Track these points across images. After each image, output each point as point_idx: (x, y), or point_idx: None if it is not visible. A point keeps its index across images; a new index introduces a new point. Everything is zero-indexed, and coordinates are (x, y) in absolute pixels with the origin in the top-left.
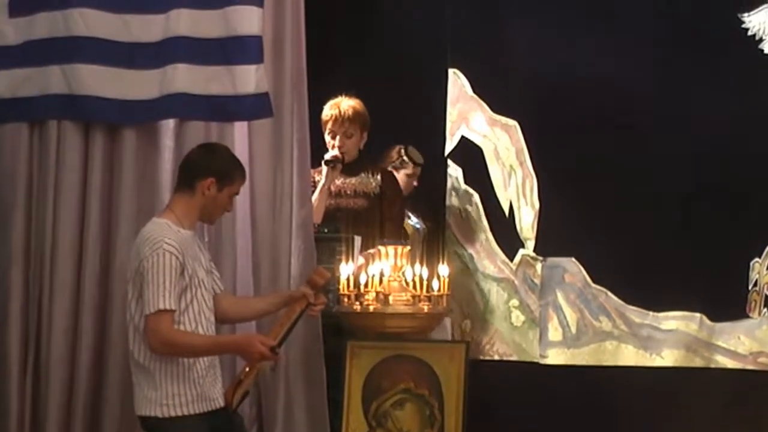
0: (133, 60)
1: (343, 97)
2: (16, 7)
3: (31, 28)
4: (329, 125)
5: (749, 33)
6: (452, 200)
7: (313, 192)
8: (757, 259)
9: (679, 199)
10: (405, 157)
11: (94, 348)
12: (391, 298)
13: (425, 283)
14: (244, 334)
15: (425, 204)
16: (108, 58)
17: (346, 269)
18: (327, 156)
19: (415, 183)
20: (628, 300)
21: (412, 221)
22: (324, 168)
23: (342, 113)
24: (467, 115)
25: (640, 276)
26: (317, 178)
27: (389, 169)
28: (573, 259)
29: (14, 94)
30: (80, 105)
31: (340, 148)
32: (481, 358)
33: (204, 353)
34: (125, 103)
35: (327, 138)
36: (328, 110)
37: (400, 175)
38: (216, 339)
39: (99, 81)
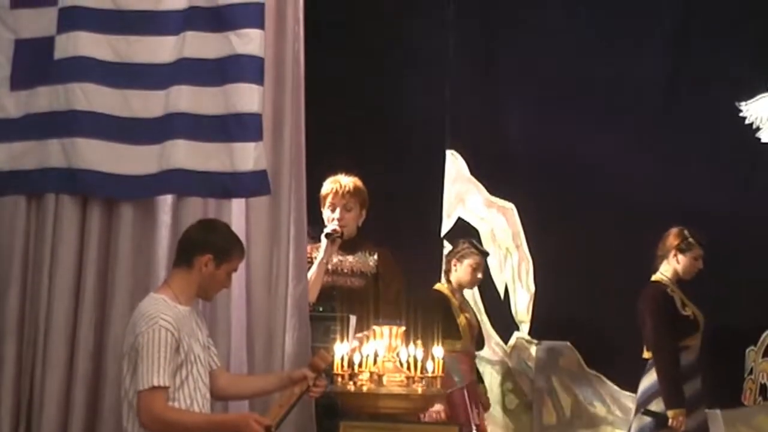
0: (133, 135)
1: (343, 174)
2: (17, 80)
3: (32, 101)
4: (329, 199)
5: (747, 121)
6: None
7: (310, 267)
8: (752, 347)
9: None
10: (691, 239)
11: (85, 423)
12: (385, 379)
13: (420, 364)
14: (239, 413)
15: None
16: (107, 132)
17: (340, 349)
18: (327, 229)
19: (700, 266)
20: (623, 385)
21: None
22: (323, 241)
23: (342, 187)
24: (464, 196)
25: (635, 362)
26: (314, 254)
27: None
28: (568, 344)
29: (13, 167)
30: (78, 179)
31: (339, 221)
32: None
33: None
34: (123, 178)
35: (326, 213)
36: (329, 185)
37: (686, 258)
38: (209, 417)
39: (98, 155)
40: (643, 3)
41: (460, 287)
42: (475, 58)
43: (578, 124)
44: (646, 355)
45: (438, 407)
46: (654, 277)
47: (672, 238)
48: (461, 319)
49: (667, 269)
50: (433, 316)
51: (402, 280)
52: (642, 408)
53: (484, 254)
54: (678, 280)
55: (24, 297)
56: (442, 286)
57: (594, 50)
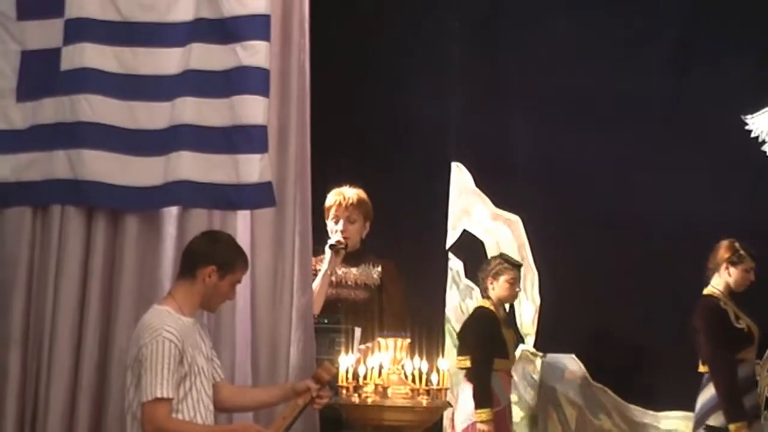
0: (138, 147)
1: (347, 186)
2: (23, 91)
3: (38, 112)
4: (333, 210)
5: (752, 135)
6: (452, 294)
7: (315, 279)
8: (757, 361)
9: (680, 299)
10: (742, 252)
11: None
12: (389, 391)
13: (424, 376)
14: (241, 423)
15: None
16: (113, 144)
17: (345, 361)
18: (331, 241)
19: (752, 278)
20: (628, 398)
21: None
22: (328, 253)
23: (346, 199)
24: (469, 208)
25: (640, 374)
26: (318, 266)
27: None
28: (573, 356)
29: (19, 179)
30: (84, 190)
31: (343, 232)
32: None
33: None
34: (129, 190)
35: (330, 224)
36: (333, 196)
37: (738, 271)
38: (212, 428)
39: (103, 167)
40: (648, 14)
41: (501, 303)
42: (479, 70)
43: (583, 136)
44: (702, 369)
45: (486, 427)
46: (706, 291)
47: (723, 251)
48: (508, 337)
49: (719, 282)
50: (486, 335)
51: (403, 291)
52: (702, 423)
53: (518, 266)
54: (730, 292)
55: (29, 308)
56: (485, 302)
57: (599, 62)
